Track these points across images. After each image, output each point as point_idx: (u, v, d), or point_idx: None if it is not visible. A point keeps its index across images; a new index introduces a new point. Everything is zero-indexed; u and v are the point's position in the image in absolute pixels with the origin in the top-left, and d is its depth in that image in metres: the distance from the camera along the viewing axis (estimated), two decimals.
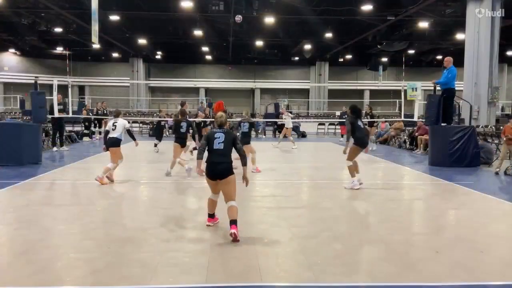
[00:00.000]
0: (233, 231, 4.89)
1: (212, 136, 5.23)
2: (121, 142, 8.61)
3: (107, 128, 8.85)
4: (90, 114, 19.57)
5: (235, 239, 4.86)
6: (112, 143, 8.51)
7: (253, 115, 32.68)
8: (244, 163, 5.34)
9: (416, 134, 15.39)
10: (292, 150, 15.63)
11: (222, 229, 5.45)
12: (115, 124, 8.59)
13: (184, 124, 9.46)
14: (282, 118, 19.06)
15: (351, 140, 8.34)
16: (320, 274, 4.09)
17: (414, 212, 7.02)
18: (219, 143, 5.16)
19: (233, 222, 4.99)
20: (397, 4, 19.36)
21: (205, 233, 5.34)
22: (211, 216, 5.58)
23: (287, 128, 17.04)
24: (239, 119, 12.04)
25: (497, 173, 10.03)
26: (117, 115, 8.89)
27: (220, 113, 5.52)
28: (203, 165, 5.31)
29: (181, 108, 11.43)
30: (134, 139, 8.98)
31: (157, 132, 15.93)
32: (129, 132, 8.86)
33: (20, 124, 12.44)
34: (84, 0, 17.88)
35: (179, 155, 9.43)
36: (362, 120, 8.45)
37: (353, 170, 8.21)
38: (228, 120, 6.69)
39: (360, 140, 8.19)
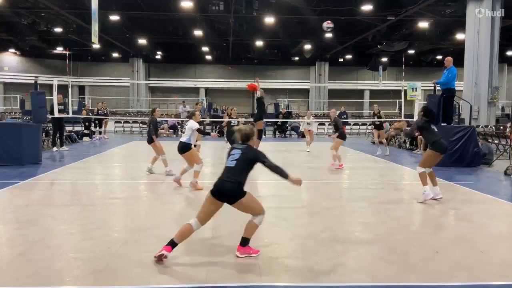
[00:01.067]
0: (237, 253, 4.47)
1: (228, 153, 4.54)
2: (190, 146, 8.06)
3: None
4: (90, 114, 19.58)
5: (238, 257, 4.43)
6: (182, 149, 8.04)
7: (253, 115, 32.69)
8: (284, 176, 4.44)
9: (416, 134, 15.34)
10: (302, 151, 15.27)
11: (222, 228, 5.45)
12: (185, 126, 8.34)
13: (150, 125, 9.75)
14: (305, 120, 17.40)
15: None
16: (320, 274, 4.09)
17: (414, 212, 7.01)
18: (231, 160, 4.41)
19: (242, 242, 4.47)
20: (397, 4, 19.36)
21: (205, 233, 5.33)
22: (173, 244, 4.27)
23: (309, 130, 16.20)
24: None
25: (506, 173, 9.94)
26: (189, 116, 8.58)
27: (244, 126, 4.62)
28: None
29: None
30: (205, 134, 9.24)
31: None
32: (200, 131, 8.57)
33: (20, 124, 12.43)
34: (84, 0, 17.88)
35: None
36: (434, 125, 7.63)
37: (425, 178, 7.28)
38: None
39: (436, 146, 7.23)
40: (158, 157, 9.68)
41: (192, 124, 8.12)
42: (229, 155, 4.50)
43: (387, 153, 14.12)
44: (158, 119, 10.38)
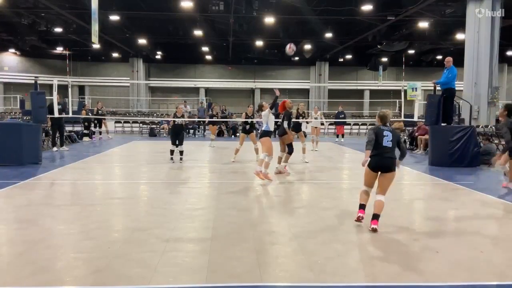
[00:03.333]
0: (374, 226, 5.35)
1: (381, 133, 5.58)
2: (270, 132, 8.93)
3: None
4: (90, 114, 19.57)
5: (374, 231, 5.31)
6: (261, 135, 9.02)
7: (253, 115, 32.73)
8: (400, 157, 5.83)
9: (416, 134, 15.39)
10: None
11: (222, 228, 5.46)
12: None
13: None
14: (313, 118, 16.76)
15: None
16: (320, 274, 4.09)
17: (414, 212, 7.02)
18: (388, 141, 5.54)
19: (375, 217, 5.43)
20: (397, 4, 19.35)
21: (205, 233, 5.33)
22: (363, 207, 5.71)
23: (316, 128, 16.04)
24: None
25: None
26: (258, 109, 9.34)
27: (387, 111, 5.82)
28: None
29: None
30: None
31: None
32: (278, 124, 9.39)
33: (20, 124, 12.42)
34: (84, 0, 17.87)
35: None
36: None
37: None
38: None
39: None
40: None
41: (265, 113, 8.85)
42: (381, 136, 5.53)
43: (306, 160, 12.07)
44: (158, 119, 10.45)
